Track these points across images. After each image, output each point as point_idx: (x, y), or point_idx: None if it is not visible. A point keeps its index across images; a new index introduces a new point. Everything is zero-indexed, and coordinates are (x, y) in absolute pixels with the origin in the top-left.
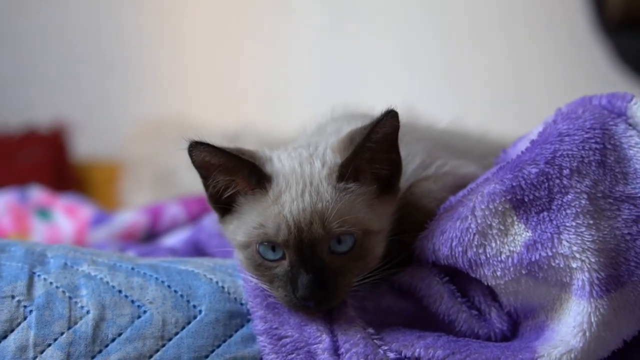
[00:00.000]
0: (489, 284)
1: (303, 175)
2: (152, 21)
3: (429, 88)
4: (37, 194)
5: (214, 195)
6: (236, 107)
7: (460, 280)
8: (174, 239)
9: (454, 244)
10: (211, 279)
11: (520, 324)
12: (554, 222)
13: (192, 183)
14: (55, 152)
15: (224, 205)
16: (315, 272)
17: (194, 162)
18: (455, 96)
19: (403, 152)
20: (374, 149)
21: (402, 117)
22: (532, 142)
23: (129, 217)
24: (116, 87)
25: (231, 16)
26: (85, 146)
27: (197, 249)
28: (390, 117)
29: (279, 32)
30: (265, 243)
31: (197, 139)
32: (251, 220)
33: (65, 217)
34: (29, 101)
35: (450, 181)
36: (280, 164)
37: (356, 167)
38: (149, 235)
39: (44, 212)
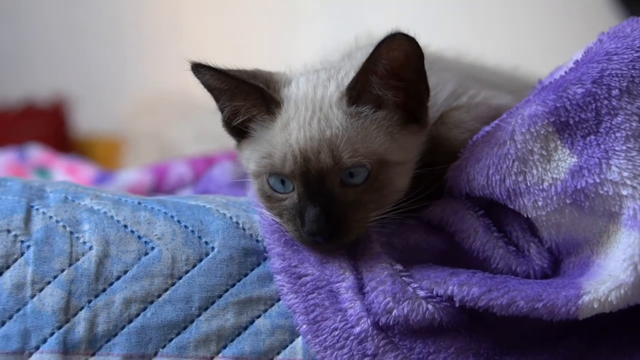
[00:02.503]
0: (529, 215)
1: (314, 100)
2: None
3: (444, 17)
4: (37, 153)
5: (228, 119)
6: None
7: (497, 213)
8: (187, 194)
9: (490, 171)
10: (224, 214)
11: (562, 261)
12: (602, 146)
13: (196, 153)
14: (56, 126)
15: (240, 129)
16: (323, 205)
17: (202, 84)
18: (469, 27)
19: (432, 80)
20: (385, 74)
21: (421, 43)
22: (577, 62)
23: (133, 175)
24: (117, 60)
25: None
26: (87, 121)
27: None
28: (398, 40)
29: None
30: (275, 174)
31: (198, 60)
32: (261, 149)
33: (66, 177)
34: (29, 75)
35: (484, 112)
36: (297, 87)
37: (369, 90)
38: (154, 195)
39: (43, 172)
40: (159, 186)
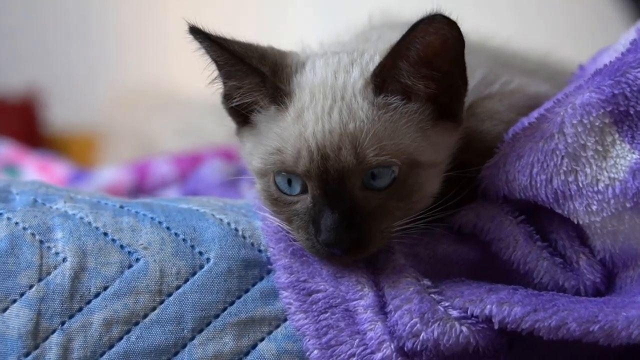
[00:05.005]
0: (580, 222)
1: (334, 87)
2: None
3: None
4: (4, 149)
5: (226, 96)
6: None
7: (540, 219)
8: (173, 194)
9: (534, 170)
10: (221, 220)
11: (617, 275)
12: None
13: (177, 149)
14: (27, 122)
15: (242, 112)
16: (343, 211)
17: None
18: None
19: None
20: (417, 61)
21: (463, 29)
22: (635, 41)
23: (112, 174)
24: (94, 51)
25: None
26: (61, 115)
27: None
28: (437, 23)
29: None
30: (284, 173)
31: (196, 23)
32: (268, 143)
33: (38, 175)
34: None
35: (520, 100)
36: (312, 72)
37: (397, 78)
38: (136, 194)
39: (11, 169)
40: (140, 186)
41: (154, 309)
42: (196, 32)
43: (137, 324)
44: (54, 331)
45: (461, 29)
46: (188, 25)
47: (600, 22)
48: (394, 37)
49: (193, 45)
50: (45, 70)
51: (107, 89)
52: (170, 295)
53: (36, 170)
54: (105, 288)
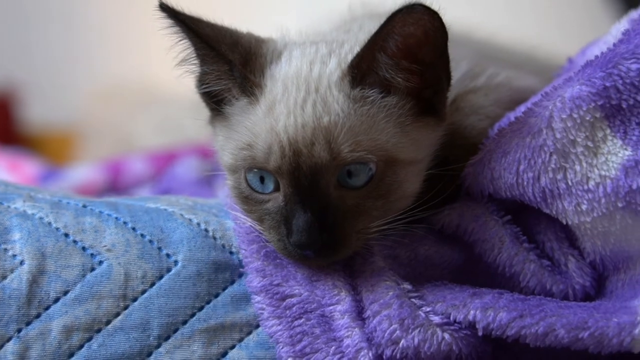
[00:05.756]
0: (569, 222)
1: (308, 78)
2: None
3: None
4: None
5: (200, 80)
6: None
7: (527, 219)
8: (146, 193)
9: (521, 167)
10: (190, 220)
11: (607, 279)
12: None
13: (157, 146)
14: (2, 120)
15: (215, 100)
16: (316, 210)
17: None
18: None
19: None
20: (396, 53)
21: (446, 20)
22: (627, 32)
23: (85, 172)
24: (71, 46)
25: None
26: (38, 112)
27: None
28: (416, 13)
29: None
30: (255, 170)
31: (168, 2)
32: (239, 138)
33: (7, 173)
34: None
35: (506, 94)
36: (288, 62)
37: (376, 71)
38: (109, 193)
39: None
40: (113, 184)
41: (117, 314)
42: (166, 10)
43: (99, 331)
44: (9, 339)
45: (444, 20)
46: (158, 2)
47: (589, 15)
48: (374, 27)
49: (173, 39)
50: (23, 66)
51: (86, 85)
52: (135, 300)
53: (5, 169)
54: (66, 293)
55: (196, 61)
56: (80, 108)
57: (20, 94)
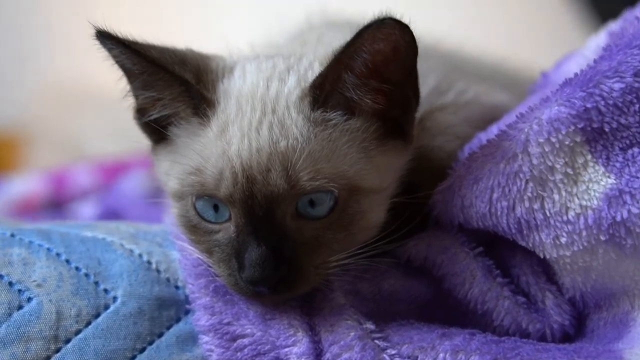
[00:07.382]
0: (547, 256)
1: (264, 97)
2: None
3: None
4: None
5: (140, 110)
6: None
7: (500, 251)
8: (89, 210)
9: (494, 196)
10: (132, 251)
11: (587, 317)
12: None
13: (109, 154)
14: None
15: (156, 127)
16: (271, 243)
17: (112, 59)
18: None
19: None
20: (364, 72)
21: (415, 33)
22: (607, 48)
23: (25, 184)
24: (16, 42)
25: None
26: None
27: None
28: (387, 27)
29: None
30: (205, 197)
31: (105, 28)
32: (187, 162)
33: None
34: None
35: (476, 112)
36: (242, 78)
37: (340, 92)
38: (52, 206)
39: None
40: (56, 197)
41: (48, 358)
42: (108, 38)
43: None
44: None
45: (414, 34)
46: (95, 30)
47: (559, 26)
48: (336, 39)
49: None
50: None
51: (34, 86)
52: (68, 341)
53: None
54: None
55: (140, 90)
56: (25, 110)
57: None
